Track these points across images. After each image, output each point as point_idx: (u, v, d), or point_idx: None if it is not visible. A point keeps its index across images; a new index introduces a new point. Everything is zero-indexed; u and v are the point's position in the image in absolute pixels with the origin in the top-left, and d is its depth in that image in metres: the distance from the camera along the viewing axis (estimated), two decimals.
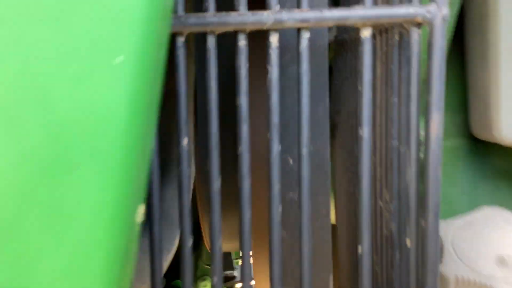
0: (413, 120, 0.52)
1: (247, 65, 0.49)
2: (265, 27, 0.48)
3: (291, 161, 0.59)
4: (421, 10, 0.48)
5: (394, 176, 0.56)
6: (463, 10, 0.93)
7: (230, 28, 0.48)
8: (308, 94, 0.50)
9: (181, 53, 0.48)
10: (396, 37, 0.52)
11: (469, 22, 0.91)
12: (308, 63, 0.50)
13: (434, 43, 0.48)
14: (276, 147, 0.50)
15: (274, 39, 0.49)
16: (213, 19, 0.47)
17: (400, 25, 0.50)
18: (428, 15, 0.48)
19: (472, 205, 1.06)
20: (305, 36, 0.49)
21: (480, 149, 1.03)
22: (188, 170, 0.50)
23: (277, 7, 0.49)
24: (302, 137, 0.50)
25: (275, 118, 0.50)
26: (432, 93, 0.49)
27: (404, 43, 0.51)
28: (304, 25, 0.48)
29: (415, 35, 0.49)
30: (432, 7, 0.48)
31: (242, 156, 0.50)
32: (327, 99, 0.59)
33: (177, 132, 0.49)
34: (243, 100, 0.49)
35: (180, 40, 0.48)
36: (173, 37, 0.48)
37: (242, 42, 0.49)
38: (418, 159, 0.52)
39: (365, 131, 0.51)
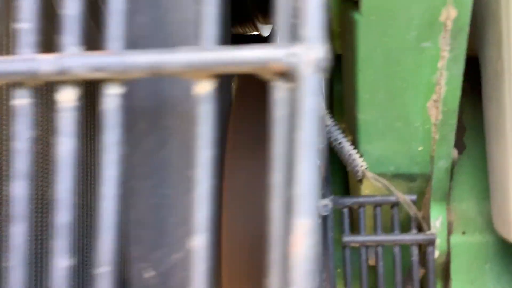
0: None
1: (33, 132, 0.33)
2: (33, 80, 0.32)
3: (145, 275, 0.40)
4: (277, 53, 0.29)
5: None
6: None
7: None
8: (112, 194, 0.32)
9: None
10: None
11: (485, 84, 0.70)
12: (117, 133, 0.32)
13: (301, 105, 0.29)
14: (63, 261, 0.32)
15: (61, 96, 0.32)
16: None
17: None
18: (286, 60, 0.29)
19: None
20: (112, 91, 0.32)
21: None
22: None
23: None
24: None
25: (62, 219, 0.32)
26: (301, 186, 0.30)
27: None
28: (99, 75, 0.31)
29: (279, 91, 0.31)
30: (296, 49, 0.29)
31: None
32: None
33: None
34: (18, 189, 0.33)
35: None
36: None
37: (22, 100, 0.32)
38: None
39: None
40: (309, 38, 0.29)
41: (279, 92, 0.30)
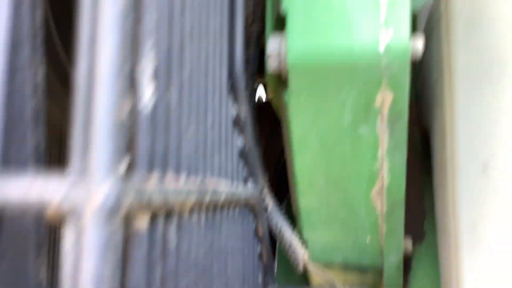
0: None
1: None
2: None
3: None
4: (51, 190, 0.22)
5: None
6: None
7: None
8: None
9: None
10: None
11: (434, 172, 0.62)
12: None
13: (80, 265, 0.22)
14: None
15: None
16: None
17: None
18: (62, 202, 0.22)
19: None
20: None
21: None
22: None
23: None
24: None
25: None
26: None
27: None
28: None
29: (68, 240, 0.23)
30: (77, 186, 0.22)
31: None
32: None
33: None
34: None
35: None
36: None
37: None
38: None
39: None
40: (97, 173, 0.22)
41: (69, 239, 0.23)
